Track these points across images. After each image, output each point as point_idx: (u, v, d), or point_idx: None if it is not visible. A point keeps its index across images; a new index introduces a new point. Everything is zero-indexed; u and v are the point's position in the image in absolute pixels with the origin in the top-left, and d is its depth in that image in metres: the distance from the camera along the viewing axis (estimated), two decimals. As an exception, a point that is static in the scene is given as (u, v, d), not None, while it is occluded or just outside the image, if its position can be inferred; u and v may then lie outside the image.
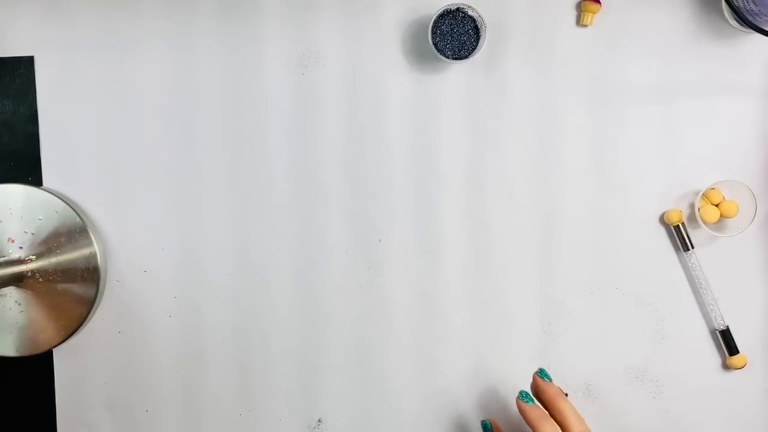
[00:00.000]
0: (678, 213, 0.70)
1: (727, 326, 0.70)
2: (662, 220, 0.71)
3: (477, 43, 0.68)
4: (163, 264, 0.70)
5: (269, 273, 0.70)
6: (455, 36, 0.68)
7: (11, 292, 0.66)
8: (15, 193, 0.67)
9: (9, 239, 0.66)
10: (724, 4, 0.70)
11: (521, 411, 0.62)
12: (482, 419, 0.68)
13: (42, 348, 0.67)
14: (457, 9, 0.67)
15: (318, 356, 0.71)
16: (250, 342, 0.70)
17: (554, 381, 0.72)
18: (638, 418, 0.72)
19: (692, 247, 0.70)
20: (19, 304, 0.66)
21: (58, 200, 0.67)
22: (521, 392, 0.63)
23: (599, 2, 0.70)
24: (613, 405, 0.72)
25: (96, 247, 0.67)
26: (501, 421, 0.71)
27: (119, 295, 0.70)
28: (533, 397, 0.63)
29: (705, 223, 0.69)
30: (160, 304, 0.70)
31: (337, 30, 0.70)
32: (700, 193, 0.69)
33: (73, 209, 0.67)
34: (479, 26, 0.68)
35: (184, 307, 0.70)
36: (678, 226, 0.70)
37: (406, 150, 0.71)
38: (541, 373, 0.65)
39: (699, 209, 0.70)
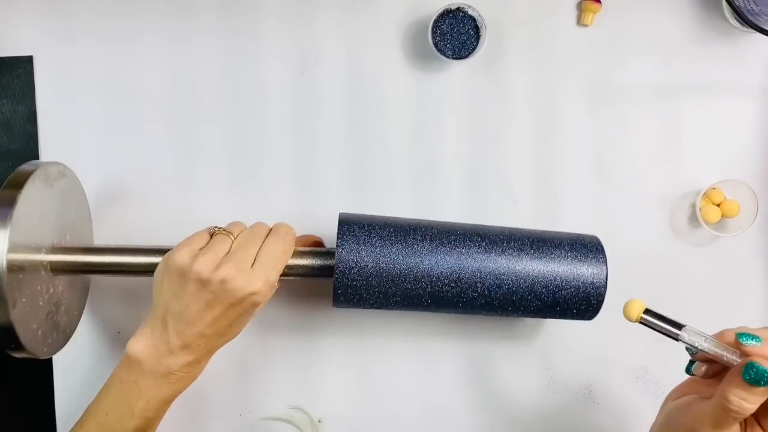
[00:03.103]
0: (639, 304, 0.49)
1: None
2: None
3: (477, 42, 0.68)
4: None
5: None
6: (455, 35, 0.68)
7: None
8: None
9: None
10: (724, 4, 0.70)
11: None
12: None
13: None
14: (458, 8, 0.67)
15: (319, 356, 0.70)
16: (250, 341, 0.70)
17: (555, 381, 0.72)
18: (638, 419, 0.72)
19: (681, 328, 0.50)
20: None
21: None
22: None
23: (600, 2, 0.70)
24: (614, 406, 0.72)
25: None
26: (498, 423, 0.71)
27: (118, 296, 0.70)
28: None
29: (706, 222, 0.69)
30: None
31: (337, 29, 0.70)
32: (701, 193, 0.69)
33: None
34: (479, 26, 0.67)
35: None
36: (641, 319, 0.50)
37: (407, 150, 0.71)
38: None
39: (700, 209, 0.70)
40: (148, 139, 0.69)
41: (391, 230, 0.60)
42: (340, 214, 0.61)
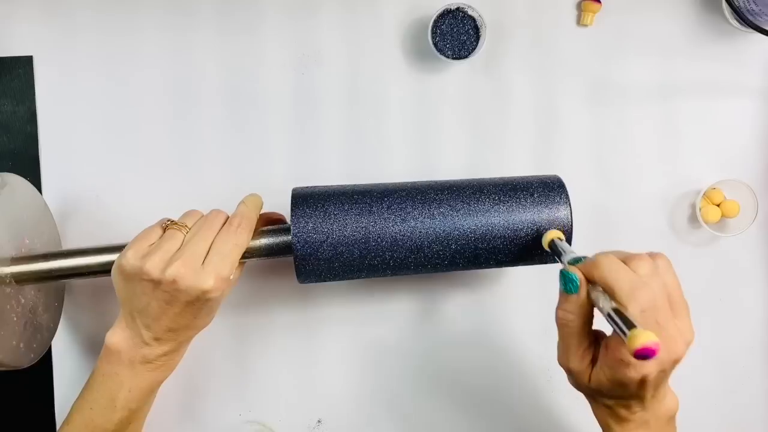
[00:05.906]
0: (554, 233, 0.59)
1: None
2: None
3: (477, 42, 0.68)
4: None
5: (269, 276, 0.70)
6: (455, 35, 0.68)
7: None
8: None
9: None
10: (724, 4, 0.70)
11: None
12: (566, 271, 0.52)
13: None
14: (457, 8, 0.67)
15: (319, 355, 0.70)
16: (249, 340, 0.70)
17: (555, 381, 0.72)
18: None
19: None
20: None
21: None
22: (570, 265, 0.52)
23: (600, 2, 0.70)
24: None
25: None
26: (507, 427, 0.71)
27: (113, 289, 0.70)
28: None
29: (706, 222, 0.69)
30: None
31: (337, 30, 0.70)
32: (701, 193, 0.69)
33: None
34: (479, 26, 0.67)
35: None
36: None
37: (407, 150, 0.71)
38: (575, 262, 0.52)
39: (700, 209, 0.70)
40: (148, 138, 0.69)
41: (347, 196, 0.59)
42: (293, 189, 0.60)
